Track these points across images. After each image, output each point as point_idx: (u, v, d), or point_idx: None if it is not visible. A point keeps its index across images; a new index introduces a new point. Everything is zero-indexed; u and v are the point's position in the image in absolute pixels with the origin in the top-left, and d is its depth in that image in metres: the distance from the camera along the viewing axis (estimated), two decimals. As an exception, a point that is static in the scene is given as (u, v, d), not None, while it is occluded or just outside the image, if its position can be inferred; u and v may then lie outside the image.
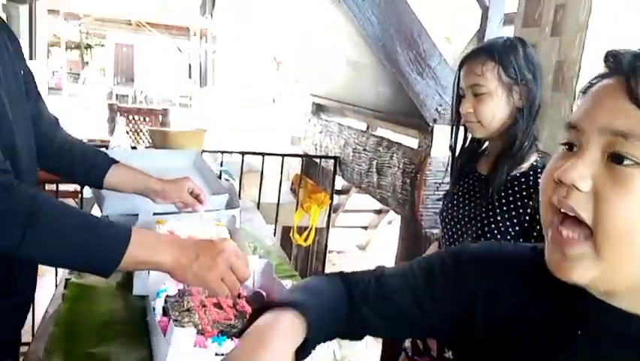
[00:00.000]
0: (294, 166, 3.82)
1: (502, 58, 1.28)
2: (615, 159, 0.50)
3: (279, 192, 3.12)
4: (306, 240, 3.27)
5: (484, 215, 1.33)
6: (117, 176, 1.40)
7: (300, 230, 3.42)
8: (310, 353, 0.62)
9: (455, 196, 1.46)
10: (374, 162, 2.65)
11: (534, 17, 1.69)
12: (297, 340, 0.58)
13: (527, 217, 1.26)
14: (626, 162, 0.49)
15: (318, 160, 3.40)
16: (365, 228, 5.69)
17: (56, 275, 2.53)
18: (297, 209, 3.28)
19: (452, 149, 1.46)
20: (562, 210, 0.52)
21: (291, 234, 3.32)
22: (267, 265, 1.34)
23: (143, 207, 1.59)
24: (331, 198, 3.24)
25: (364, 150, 2.79)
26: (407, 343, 1.61)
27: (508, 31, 2.15)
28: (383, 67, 2.20)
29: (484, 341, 0.65)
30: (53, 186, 2.56)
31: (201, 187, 1.91)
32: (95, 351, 1.02)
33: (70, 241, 0.80)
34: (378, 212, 5.40)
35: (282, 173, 3.11)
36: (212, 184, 1.96)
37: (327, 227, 3.34)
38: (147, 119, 5.68)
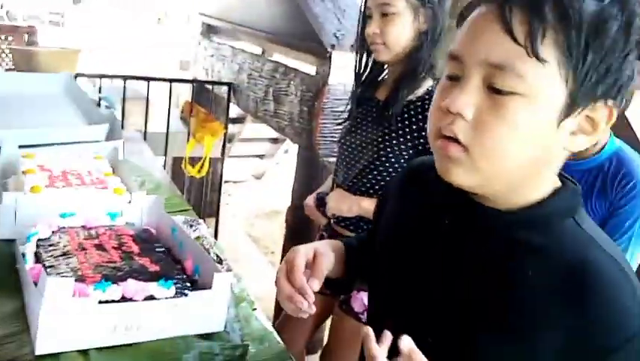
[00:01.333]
0: (184, 93, 3.58)
1: None
2: (493, 89, 0.55)
3: (168, 121, 2.92)
4: (199, 171, 3.13)
5: (380, 139, 1.34)
6: None
7: (193, 161, 3.27)
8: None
9: (354, 122, 1.45)
10: (270, 89, 2.55)
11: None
12: None
13: (422, 140, 1.29)
14: (502, 91, 0.54)
15: (210, 86, 3.21)
16: (261, 157, 5.63)
17: None
18: (188, 139, 3.11)
19: (356, 74, 1.43)
20: (445, 134, 0.58)
21: (182, 165, 3.16)
22: (156, 201, 1.24)
23: (7, 137, 1.38)
24: (226, 128, 3.10)
25: (260, 76, 2.67)
26: None
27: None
28: (279, -15, 2.06)
29: (380, 253, 0.77)
30: None
31: (77, 117, 1.72)
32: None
33: None
34: (275, 141, 5.35)
35: (170, 100, 2.90)
36: (89, 113, 1.76)
37: (222, 157, 3.22)
38: (10, 37, 4.95)
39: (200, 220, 1.42)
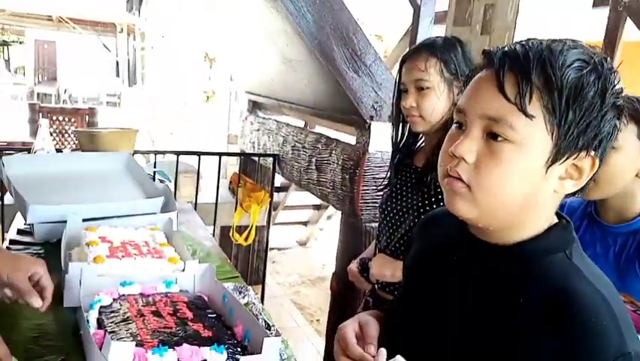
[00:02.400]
0: (232, 165, 3.75)
1: (443, 55, 1.34)
2: (491, 136, 0.64)
3: (217, 191, 3.05)
4: (246, 239, 3.22)
5: (420, 204, 1.38)
6: None
7: (240, 229, 3.37)
8: None
9: (394, 188, 1.50)
10: (313, 159, 2.65)
11: (464, 16, 1.74)
12: None
13: None
14: (498, 138, 0.63)
15: (256, 158, 3.36)
16: (305, 224, 5.70)
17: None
18: (236, 208, 3.22)
19: (394, 143, 1.50)
20: (451, 175, 0.68)
21: (230, 234, 3.26)
22: (208, 269, 1.31)
23: (72, 213, 1.50)
24: (271, 196, 3.21)
25: (303, 147, 2.78)
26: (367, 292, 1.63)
27: (439, 30, 2.21)
28: (319, 64, 2.20)
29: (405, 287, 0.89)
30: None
31: (135, 191, 1.84)
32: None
33: None
34: (318, 207, 5.43)
35: (219, 172, 3.05)
36: (146, 187, 1.89)
37: (268, 225, 3.31)
38: (72, 119, 5.38)
39: (249, 287, 1.47)
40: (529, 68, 0.61)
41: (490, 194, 0.65)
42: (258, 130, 3.41)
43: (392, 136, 1.51)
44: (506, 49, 0.65)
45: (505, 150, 0.63)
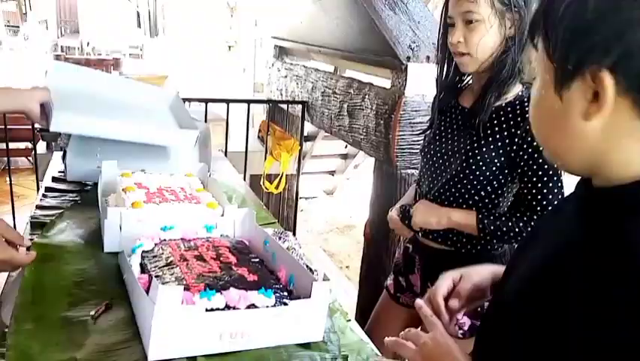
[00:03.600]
0: (260, 113, 3.69)
1: None
2: None
3: (247, 140, 3.01)
4: (277, 187, 3.19)
5: (468, 147, 1.30)
6: None
7: (270, 178, 3.34)
8: None
9: (437, 131, 1.42)
10: (345, 105, 2.56)
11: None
12: None
13: (514, 146, 1.25)
14: None
15: (284, 106, 3.28)
16: (332, 173, 5.65)
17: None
18: (265, 157, 3.18)
19: (438, 83, 1.40)
20: None
21: (261, 182, 3.24)
22: (248, 213, 1.27)
23: (98, 126, 1.46)
24: (300, 145, 3.15)
25: (334, 92, 2.69)
26: (389, 280, 1.60)
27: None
28: (352, 2, 2.08)
29: None
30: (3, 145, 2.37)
31: (173, 126, 1.76)
32: (69, 315, 0.94)
33: None
34: (345, 157, 5.36)
35: (248, 120, 2.99)
36: (185, 123, 1.82)
37: (298, 173, 3.27)
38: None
39: (289, 232, 1.44)
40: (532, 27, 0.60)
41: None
42: (286, 77, 3.31)
43: (437, 74, 1.42)
44: None
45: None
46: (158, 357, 0.81)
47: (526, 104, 1.25)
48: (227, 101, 2.85)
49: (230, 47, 8.90)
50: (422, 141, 1.51)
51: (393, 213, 1.49)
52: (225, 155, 2.65)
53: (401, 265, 1.56)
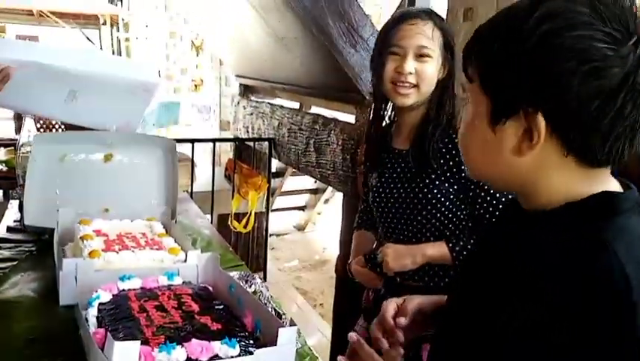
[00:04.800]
0: (226, 152, 3.66)
1: (443, 26, 1.28)
2: None
3: (213, 179, 2.97)
4: (245, 226, 3.15)
5: (423, 189, 1.30)
6: None
7: (239, 217, 3.30)
8: None
9: (382, 179, 1.39)
10: (311, 141, 2.57)
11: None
12: None
13: (463, 174, 1.27)
14: None
15: (251, 143, 3.27)
16: (302, 208, 5.64)
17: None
18: (233, 196, 3.15)
19: (373, 125, 1.40)
20: None
21: (229, 222, 3.19)
22: (211, 258, 1.24)
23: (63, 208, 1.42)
24: (269, 182, 3.14)
25: (300, 129, 2.70)
26: (358, 327, 1.55)
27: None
28: (315, 41, 2.11)
29: None
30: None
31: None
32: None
33: None
34: (315, 192, 5.37)
35: (214, 159, 2.96)
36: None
37: (267, 211, 3.24)
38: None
39: (255, 275, 1.40)
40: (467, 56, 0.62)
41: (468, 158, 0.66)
42: (252, 114, 3.32)
43: (371, 113, 1.41)
44: None
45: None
46: (113, 419, 0.76)
47: None
48: (193, 141, 2.83)
49: (196, 85, 8.91)
50: (364, 187, 1.51)
51: (357, 266, 1.41)
52: (191, 196, 2.60)
53: (371, 309, 1.52)
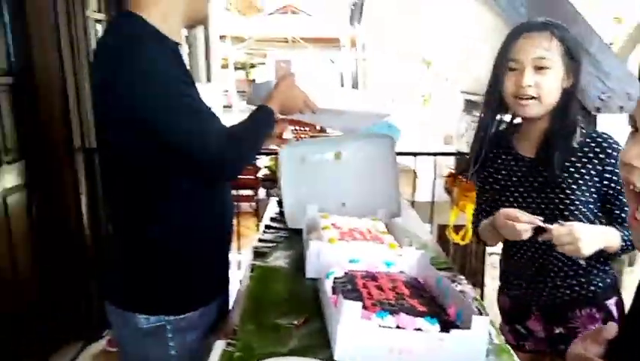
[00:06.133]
0: (447, 165, 3.81)
1: (565, 36, 1.28)
2: None
3: (433, 191, 3.16)
4: (462, 238, 3.25)
5: (553, 199, 1.32)
6: None
7: (457, 229, 3.41)
8: None
9: (502, 185, 1.44)
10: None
11: None
12: None
13: (605, 181, 1.29)
14: None
15: (472, 158, 3.36)
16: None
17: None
18: (452, 208, 3.28)
19: (485, 129, 1.45)
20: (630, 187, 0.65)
21: (447, 232, 3.33)
22: (423, 256, 1.43)
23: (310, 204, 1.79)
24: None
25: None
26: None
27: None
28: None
29: None
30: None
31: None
32: (279, 322, 1.22)
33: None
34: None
35: (435, 172, 3.16)
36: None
37: (484, 225, 3.28)
38: (307, 128, 6.12)
39: (462, 277, 1.55)
40: None
41: None
42: (474, 130, 3.41)
43: (482, 120, 1.45)
44: None
45: None
46: (342, 358, 1.02)
47: (606, 142, 1.30)
48: (415, 154, 3.07)
49: (425, 99, 9.23)
50: (479, 193, 1.57)
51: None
52: (412, 205, 2.84)
53: (512, 313, 1.56)
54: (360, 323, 1.00)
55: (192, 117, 1.16)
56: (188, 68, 1.31)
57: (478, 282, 3.59)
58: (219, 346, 1.13)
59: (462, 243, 3.27)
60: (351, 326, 1.00)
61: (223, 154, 1.19)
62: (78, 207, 2.72)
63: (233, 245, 3.69)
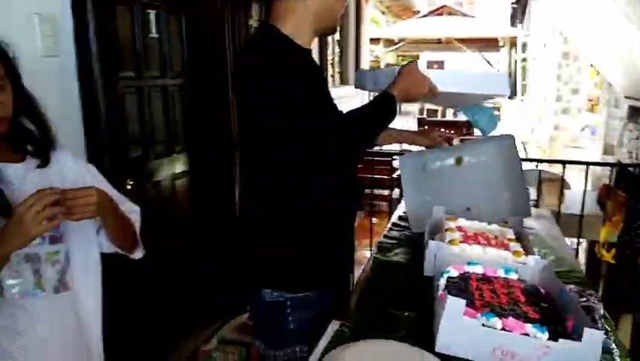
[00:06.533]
0: (605, 176, 3.49)
1: None
2: None
3: (583, 203, 2.93)
4: (614, 257, 2.97)
5: None
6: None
7: (610, 246, 3.12)
8: None
9: None
10: None
11: None
12: None
13: None
14: None
15: (632, 169, 3.05)
16: None
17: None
18: (603, 222, 3.02)
19: None
20: None
21: (596, 249, 3.07)
22: (547, 266, 1.38)
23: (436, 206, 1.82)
24: (648, 213, 2.86)
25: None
26: None
27: None
28: None
29: None
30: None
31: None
32: (394, 312, 1.29)
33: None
34: None
35: (586, 182, 2.92)
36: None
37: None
38: (452, 130, 6.01)
39: (592, 292, 1.46)
40: None
41: None
42: (638, 139, 3.08)
43: None
44: None
45: None
46: (442, 350, 1.06)
47: None
48: (564, 162, 2.88)
49: (592, 105, 8.43)
50: None
51: None
52: (558, 215, 2.67)
53: None
54: (463, 320, 1.04)
55: (308, 113, 1.28)
56: (322, 71, 1.44)
57: (631, 307, 3.23)
58: (334, 326, 1.24)
59: (612, 262, 2.99)
60: (453, 321, 1.04)
61: (339, 137, 1.30)
62: (231, 195, 3.06)
63: (367, 241, 3.84)
